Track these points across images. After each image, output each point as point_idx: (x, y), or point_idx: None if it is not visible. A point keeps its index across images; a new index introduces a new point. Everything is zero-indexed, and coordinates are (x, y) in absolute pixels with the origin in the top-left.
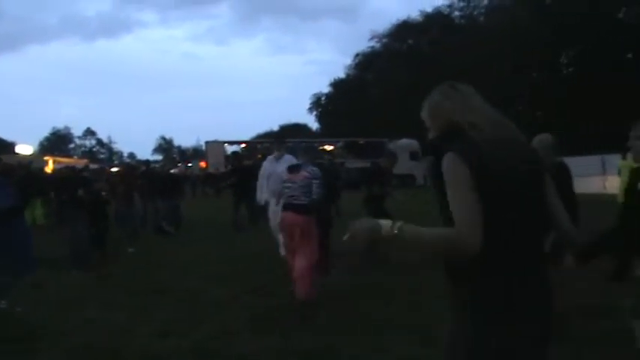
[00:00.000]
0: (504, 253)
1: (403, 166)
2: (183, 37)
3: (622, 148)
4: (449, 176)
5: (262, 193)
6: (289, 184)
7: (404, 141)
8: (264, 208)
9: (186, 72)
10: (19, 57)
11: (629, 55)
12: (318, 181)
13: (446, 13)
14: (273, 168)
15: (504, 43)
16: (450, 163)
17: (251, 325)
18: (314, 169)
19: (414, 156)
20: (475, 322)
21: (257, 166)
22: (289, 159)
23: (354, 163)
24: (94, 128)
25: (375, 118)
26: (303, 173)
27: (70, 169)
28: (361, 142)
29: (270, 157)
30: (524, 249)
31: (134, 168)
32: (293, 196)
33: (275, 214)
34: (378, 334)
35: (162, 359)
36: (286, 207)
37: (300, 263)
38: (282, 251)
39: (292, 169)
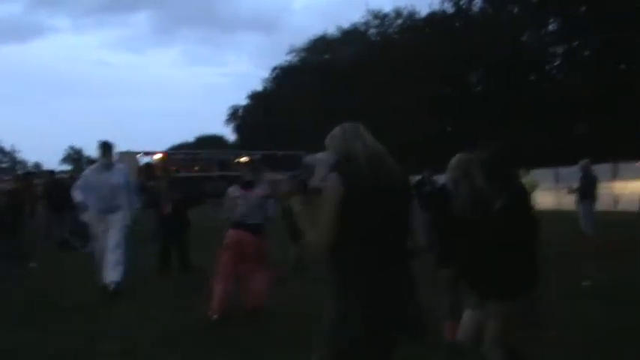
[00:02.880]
0: (361, 251)
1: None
2: (97, 45)
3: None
4: (326, 190)
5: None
6: (241, 202)
7: (321, 155)
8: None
9: (100, 80)
10: None
11: (532, 77)
12: (273, 199)
13: (362, 30)
14: (104, 179)
15: (416, 61)
16: (330, 181)
17: (160, 340)
18: (267, 187)
19: (332, 170)
20: (337, 306)
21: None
22: (121, 168)
23: (271, 176)
24: None
25: (291, 131)
26: (258, 191)
27: None
28: (278, 154)
29: (94, 167)
30: (380, 250)
31: (32, 178)
32: (245, 215)
33: (102, 235)
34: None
35: None
36: (238, 225)
37: (259, 277)
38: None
39: (245, 185)
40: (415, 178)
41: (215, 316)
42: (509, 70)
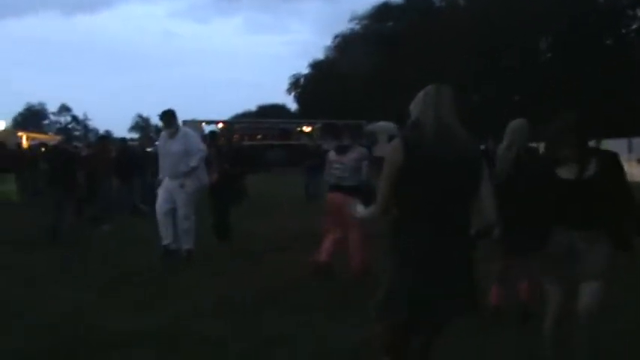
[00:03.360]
0: (416, 222)
1: (382, 149)
2: (164, 15)
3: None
4: (386, 158)
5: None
6: (338, 166)
7: (382, 124)
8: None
9: (166, 50)
10: None
11: (608, 42)
12: (367, 162)
13: None
14: (165, 146)
15: (482, 27)
16: (391, 148)
17: (218, 307)
18: (362, 150)
19: (391, 139)
20: (391, 276)
21: (244, 148)
22: (186, 135)
23: (332, 145)
24: (70, 105)
25: (353, 100)
26: (352, 155)
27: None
28: (339, 123)
29: (163, 134)
30: (436, 222)
31: (107, 143)
32: (341, 177)
33: (165, 195)
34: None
35: (129, 340)
36: (334, 188)
37: (353, 236)
38: (162, 241)
39: (340, 150)
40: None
41: (318, 261)
42: (581, 35)
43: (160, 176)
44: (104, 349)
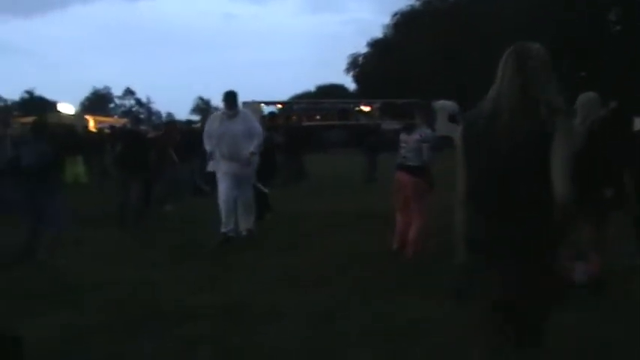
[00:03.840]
0: (477, 200)
1: (442, 127)
2: None
3: None
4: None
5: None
6: (403, 145)
7: (442, 102)
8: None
9: (225, 32)
10: (62, 17)
11: None
12: (428, 144)
13: None
14: (226, 127)
15: (552, 2)
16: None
17: (280, 283)
18: (427, 131)
19: (452, 118)
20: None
21: (302, 128)
22: (246, 116)
23: (391, 125)
24: (133, 88)
25: (413, 79)
26: (415, 136)
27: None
28: (398, 103)
29: (218, 114)
30: (496, 201)
31: (174, 126)
32: (406, 157)
33: (228, 181)
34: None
35: (195, 314)
36: (399, 167)
37: (414, 224)
38: (222, 227)
39: (408, 129)
40: None
41: (395, 246)
42: None
43: (214, 157)
44: (171, 324)
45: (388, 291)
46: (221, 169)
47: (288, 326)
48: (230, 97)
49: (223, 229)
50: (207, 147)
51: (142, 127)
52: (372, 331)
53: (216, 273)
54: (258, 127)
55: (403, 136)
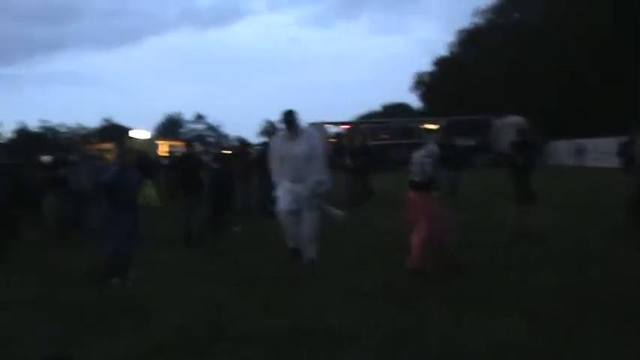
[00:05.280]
0: None
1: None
2: (290, 23)
3: None
4: None
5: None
6: (412, 162)
7: (511, 118)
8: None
9: (292, 56)
10: (139, 48)
11: None
12: (430, 160)
13: None
14: (287, 149)
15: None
16: None
17: (348, 301)
18: (431, 147)
19: (521, 134)
20: None
21: (369, 147)
22: (310, 137)
23: (459, 141)
24: (203, 113)
25: (479, 95)
26: (421, 152)
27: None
28: (465, 120)
29: (280, 135)
30: None
31: (249, 148)
32: (412, 172)
33: (289, 197)
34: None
35: (262, 335)
36: (408, 185)
37: (414, 238)
38: (289, 243)
39: (417, 147)
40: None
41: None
42: None
43: (275, 179)
44: (237, 346)
45: (453, 309)
46: (283, 187)
47: (355, 349)
48: (288, 117)
49: (290, 245)
50: (272, 168)
51: (211, 150)
52: (449, 355)
53: (283, 294)
54: (320, 148)
55: (413, 154)
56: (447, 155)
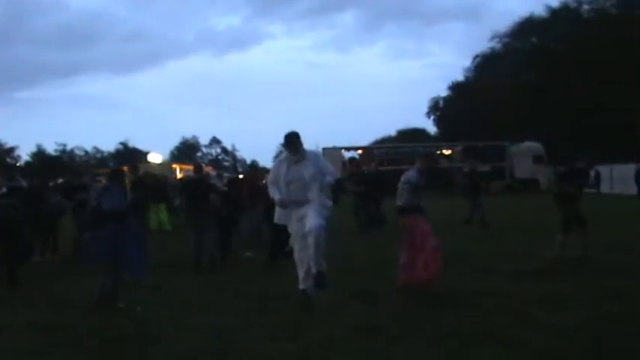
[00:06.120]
0: None
1: (526, 169)
2: (307, 47)
3: None
4: None
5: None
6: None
7: (526, 144)
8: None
9: (309, 81)
10: (158, 72)
11: None
12: (407, 186)
13: (573, 7)
14: (293, 173)
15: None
16: None
17: (359, 335)
18: (408, 174)
19: (538, 159)
20: None
21: (380, 173)
22: (316, 157)
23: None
24: (219, 137)
25: (494, 121)
26: (402, 178)
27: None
28: (480, 145)
29: (283, 158)
30: None
31: (258, 172)
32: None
33: (300, 231)
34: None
35: None
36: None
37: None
38: (300, 284)
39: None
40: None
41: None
42: None
43: (281, 205)
44: None
45: (474, 343)
46: (293, 218)
47: None
48: (291, 139)
49: (302, 286)
50: (273, 194)
51: (225, 174)
52: None
53: (294, 321)
54: (329, 166)
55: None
56: (427, 182)
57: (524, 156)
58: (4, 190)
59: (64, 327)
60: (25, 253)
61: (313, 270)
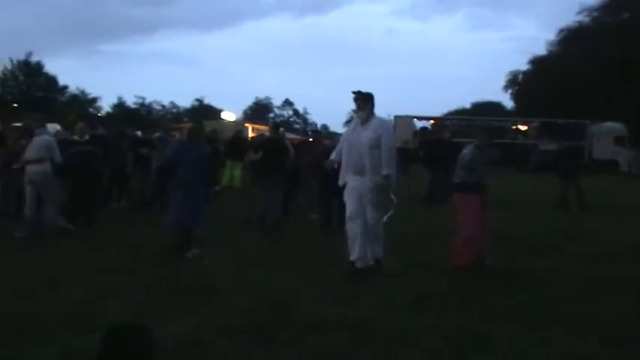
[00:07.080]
0: None
1: (606, 151)
2: (386, 13)
3: None
4: None
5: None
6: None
7: (608, 124)
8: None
9: (386, 47)
10: (236, 32)
11: None
12: (461, 163)
13: None
14: (355, 135)
15: None
16: None
17: (415, 302)
18: (465, 151)
19: (619, 141)
20: None
21: (448, 142)
22: (381, 125)
23: (549, 145)
24: (292, 99)
25: (576, 98)
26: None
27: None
28: (559, 123)
29: (353, 122)
30: None
31: (321, 138)
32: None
33: (355, 202)
34: (542, 326)
35: (322, 327)
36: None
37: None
38: (351, 255)
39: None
40: None
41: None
42: None
43: (343, 171)
44: (300, 334)
45: (522, 320)
46: (349, 184)
47: (418, 351)
48: (361, 95)
49: (351, 258)
50: (333, 155)
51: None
52: None
53: (350, 287)
54: (389, 138)
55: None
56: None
57: (605, 136)
58: (87, 137)
59: (132, 272)
60: (102, 199)
61: (371, 257)
